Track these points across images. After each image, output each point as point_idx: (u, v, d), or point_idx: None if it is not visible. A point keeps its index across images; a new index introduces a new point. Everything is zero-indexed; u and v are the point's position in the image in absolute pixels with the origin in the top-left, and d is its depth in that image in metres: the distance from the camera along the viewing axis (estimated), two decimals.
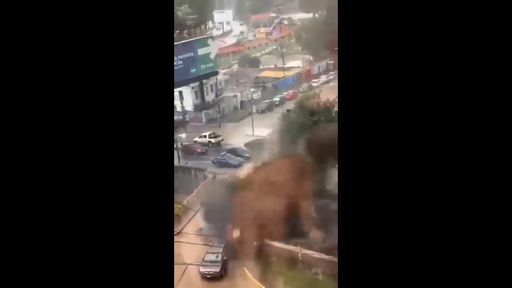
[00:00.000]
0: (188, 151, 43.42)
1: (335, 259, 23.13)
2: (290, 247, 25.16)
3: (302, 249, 24.63)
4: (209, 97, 54.98)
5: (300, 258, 24.55)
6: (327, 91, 39.72)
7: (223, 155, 40.70)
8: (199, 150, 43.72)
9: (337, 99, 37.07)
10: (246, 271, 25.10)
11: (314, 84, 58.84)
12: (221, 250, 26.05)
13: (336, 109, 34.78)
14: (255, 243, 26.06)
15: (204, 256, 25.64)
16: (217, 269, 25.15)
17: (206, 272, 25.07)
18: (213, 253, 25.86)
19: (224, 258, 25.76)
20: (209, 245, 26.16)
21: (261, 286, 23.84)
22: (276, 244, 25.78)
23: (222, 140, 45.11)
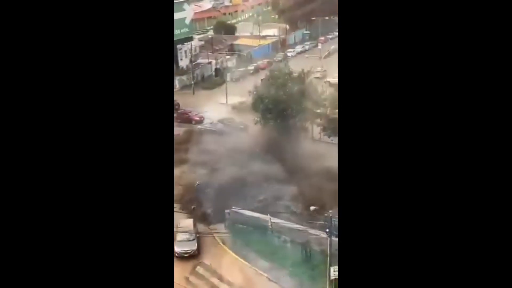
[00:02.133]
0: (185, 119, 40.70)
1: (304, 228, 23.65)
2: (261, 216, 25.54)
3: (271, 218, 25.04)
4: (183, 63, 54.14)
5: (270, 226, 24.95)
6: (301, 61, 39.43)
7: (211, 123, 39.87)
8: (197, 118, 41.33)
9: (311, 69, 37.13)
10: (219, 242, 25.26)
11: (289, 54, 58.62)
12: (192, 227, 25.22)
13: (309, 79, 34.77)
14: (226, 211, 26.34)
15: (176, 236, 23.85)
16: (194, 247, 24.24)
17: (183, 251, 23.92)
18: (185, 231, 24.63)
19: (198, 235, 25.03)
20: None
21: (235, 256, 24.12)
22: (247, 212, 26.15)
23: None
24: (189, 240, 24.21)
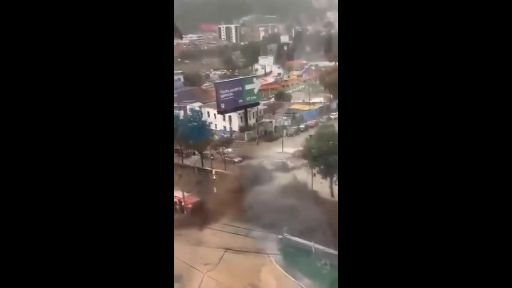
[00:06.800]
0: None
1: None
2: (306, 242, 24.42)
3: (314, 244, 23.88)
4: (251, 121, 54.91)
5: (313, 251, 23.82)
6: None
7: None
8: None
9: None
10: (273, 261, 24.18)
11: (332, 116, 57.84)
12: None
13: None
14: (279, 236, 25.46)
15: None
16: None
17: None
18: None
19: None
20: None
21: (285, 273, 23.04)
22: (295, 238, 25.08)
23: None
24: None
